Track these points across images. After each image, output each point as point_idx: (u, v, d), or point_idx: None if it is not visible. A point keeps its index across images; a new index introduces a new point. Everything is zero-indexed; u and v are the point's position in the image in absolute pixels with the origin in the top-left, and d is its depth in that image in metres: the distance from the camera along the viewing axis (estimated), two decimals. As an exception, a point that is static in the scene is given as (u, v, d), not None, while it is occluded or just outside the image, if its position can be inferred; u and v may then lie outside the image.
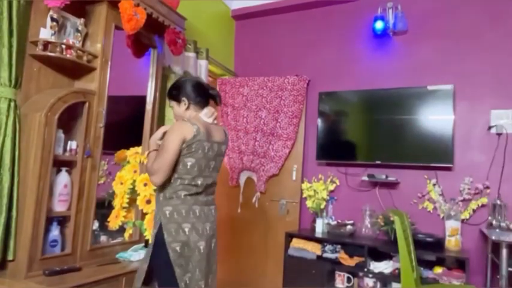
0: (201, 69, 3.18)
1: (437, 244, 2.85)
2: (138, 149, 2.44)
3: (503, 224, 2.73)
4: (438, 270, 2.73)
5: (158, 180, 1.75)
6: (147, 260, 1.78)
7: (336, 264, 3.03)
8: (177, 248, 1.73)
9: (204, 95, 1.93)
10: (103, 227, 2.32)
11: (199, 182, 1.82)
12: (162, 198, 1.79)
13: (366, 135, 3.36)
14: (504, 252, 2.34)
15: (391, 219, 2.91)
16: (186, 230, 1.76)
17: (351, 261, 2.98)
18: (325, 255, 3.11)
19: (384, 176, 3.20)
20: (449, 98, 3.02)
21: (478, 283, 2.77)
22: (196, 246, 1.78)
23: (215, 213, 1.93)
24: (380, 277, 2.87)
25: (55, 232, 1.89)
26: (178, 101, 1.90)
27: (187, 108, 1.89)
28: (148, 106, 2.48)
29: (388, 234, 3.02)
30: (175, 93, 1.92)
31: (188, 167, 1.78)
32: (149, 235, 2.28)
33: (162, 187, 1.79)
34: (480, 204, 2.93)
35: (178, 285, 1.72)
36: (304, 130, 3.63)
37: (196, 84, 1.93)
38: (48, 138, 1.78)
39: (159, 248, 1.74)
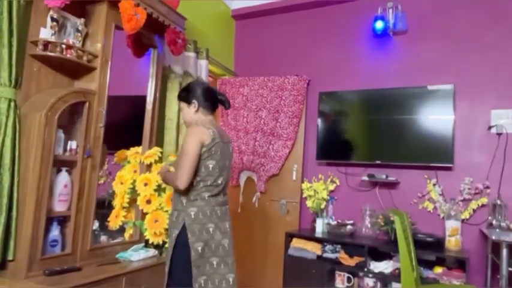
0: (201, 69, 3.18)
1: (437, 244, 2.85)
2: (138, 149, 2.44)
3: (503, 224, 2.73)
4: (438, 270, 2.73)
5: (183, 184, 1.80)
6: (167, 262, 1.85)
7: (336, 264, 3.03)
8: (199, 248, 1.80)
9: (213, 99, 2.03)
10: (103, 227, 2.32)
11: (219, 182, 1.92)
12: (186, 201, 1.85)
13: (366, 135, 3.36)
14: (504, 252, 2.34)
15: (391, 219, 2.91)
16: (210, 229, 1.85)
17: (351, 261, 2.98)
18: (325, 255, 3.11)
19: (384, 176, 3.20)
20: (449, 98, 3.02)
21: (478, 283, 2.77)
22: (220, 244, 1.88)
23: (229, 212, 2.04)
24: (380, 277, 2.87)
25: (55, 232, 1.89)
26: (188, 102, 1.99)
27: (197, 110, 1.98)
28: (149, 106, 2.48)
29: (388, 234, 3.02)
30: (186, 94, 2.00)
31: (210, 169, 1.87)
32: (149, 235, 2.29)
33: (185, 190, 1.84)
34: (480, 204, 2.93)
35: (192, 285, 1.78)
36: (304, 130, 3.63)
37: (206, 88, 2.02)
38: (48, 138, 1.77)
39: (180, 248, 1.80)
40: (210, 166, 1.87)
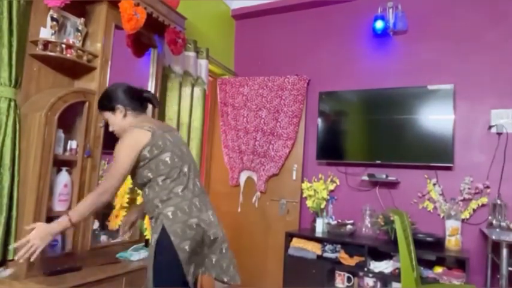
0: (201, 69, 3.18)
1: (438, 244, 2.85)
2: (138, 149, 2.44)
3: (503, 224, 2.73)
4: (438, 269, 2.73)
5: (111, 195, 1.65)
6: (150, 268, 1.66)
7: (336, 263, 3.03)
8: (186, 247, 1.65)
9: (139, 98, 1.83)
10: (103, 227, 2.32)
11: (185, 170, 1.76)
12: (160, 203, 1.70)
13: (366, 135, 3.36)
14: (504, 251, 2.34)
15: (391, 218, 2.91)
16: (194, 225, 1.69)
17: (351, 261, 2.98)
18: (325, 254, 3.11)
19: (384, 176, 3.20)
20: (449, 97, 3.02)
21: (478, 283, 2.77)
22: (207, 236, 1.73)
23: (209, 199, 1.88)
24: (380, 277, 2.87)
25: (55, 232, 1.88)
26: (112, 110, 1.76)
27: (125, 115, 1.77)
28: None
29: (388, 233, 3.02)
30: (106, 102, 1.78)
31: (169, 162, 1.72)
32: (149, 235, 2.28)
33: (152, 193, 1.71)
34: (480, 204, 2.93)
35: (183, 282, 1.67)
36: (304, 130, 3.63)
37: (127, 88, 1.81)
38: (48, 138, 1.77)
39: (162, 252, 1.64)
40: (168, 159, 1.71)
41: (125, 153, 1.66)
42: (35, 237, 1.53)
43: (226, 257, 1.80)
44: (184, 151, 1.82)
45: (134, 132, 1.70)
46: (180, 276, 1.67)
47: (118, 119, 1.77)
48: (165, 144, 1.72)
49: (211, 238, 1.75)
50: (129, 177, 1.86)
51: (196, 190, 1.79)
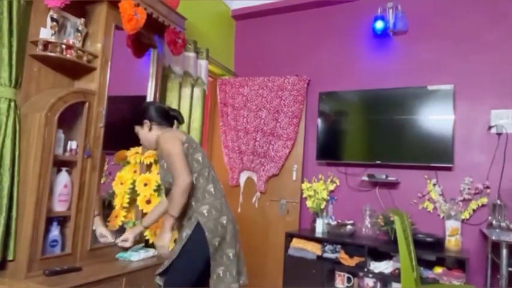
0: (201, 69, 3.18)
1: (437, 244, 2.85)
2: (138, 149, 2.44)
3: (503, 224, 2.73)
4: (438, 270, 2.73)
5: (187, 178, 1.75)
6: (174, 256, 1.75)
7: (336, 264, 3.03)
8: (216, 244, 1.78)
9: (165, 116, 2.02)
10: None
11: (213, 173, 1.95)
12: (195, 201, 1.84)
13: (366, 135, 3.36)
14: (504, 252, 2.34)
15: (391, 219, 2.91)
16: (224, 222, 1.83)
17: (351, 261, 2.98)
18: (325, 255, 3.11)
19: (384, 176, 3.20)
20: (449, 98, 3.02)
21: (478, 283, 2.77)
22: (233, 235, 1.86)
23: None
24: (380, 277, 2.87)
25: (55, 232, 1.89)
26: (141, 124, 1.99)
27: (150, 129, 1.97)
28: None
29: (388, 234, 3.02)
30: (136, 118, 2.00)
31: (201, 160, 1.89)
32: (149, 235, 2.28)
33: (190, 193, 1.81)
34: (480, 204, 2.93)
35: (206, 279, 1.79)
36: (304, 130, 3.63)
37: (157, 107, 2.02)
38: (48, 138, 1.77)
39: (192, 246, 1.75)
40: (200, 158, 1.89)
41: (172, 143, 1.82)
42: (162, 247, 1.80)
43: (241, 257, 1.95)
44: (206, 158, 1.99)
45: (171, 132, 1.92)
46: (195, 275, 1.78)
47: (144, 132, 1.98)
48: (197, 146, 1.93)
49: (238, 234, 1.92)
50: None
51: (222, 192, 1.97)
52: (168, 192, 1.93)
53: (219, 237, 1.80)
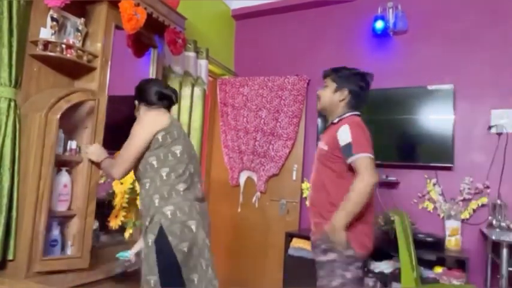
0: (201, 69, 3.18)
1: (438, 244, 2.85)
2: (138, 149, 2.43)
3: (503, 224, 2.73)
4: (438, 270, 2.73)
5: (119, 173, 1.68)
6: (154, 270, 1.61)
7: (336, 264, 3.02)
8: (185, 249, 1.62)
9: (159, 97, 1.85)
10: (103, 227, 2.32)
11: (191, 170, 1.74)
12: (159, 199, 1.66)
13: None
14: (504, 252, 2.34)
15: (391, 219, 2.91)
16: (193, 227, 1.64)
17: (351, 261, 2.98)
18: (325, 255, 3.11)
19: (384, 176, 3.19)
20: (449, 98, 3.02)
21: (478, 283, 2.77)
22: (205, 244, 1.71)
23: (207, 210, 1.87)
24: (380, 277, 2.87)
25: (55, 232, 1.88)
26: (134, 104, 1.95)
27: (137, 110, 1.92)
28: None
29: (388, 234, 3.02)
30: (135, 95, 1.95)
31: (178, 155, 1.70)
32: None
33: (153, 188, 1.68)
34: (480, 204, 2.93)
35: (184, 285, 1.65)
36: (304, 130, 3.63)
37: (148, 87, 1.89)
38: (48, 138, 1.77)
39: (161, 254, 1.61)
40: (178, 152, 1.69)
41: (141, 129, 1.70)
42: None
43: (207, 276, 1.73)
44: (193, 154, 1.82)
45: (152, 115, 1.75)
46: (181, 278, 1.65)
47: (137, 115, 1.91)
48: (179, 137, 1.72)
49: (208, 245, 1.73)
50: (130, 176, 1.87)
51: (198, 195, 1.77)
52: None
53: (187, 242, 1.62)
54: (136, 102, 1.93)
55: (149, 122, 1.72)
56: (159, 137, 1.69)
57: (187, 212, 1.66)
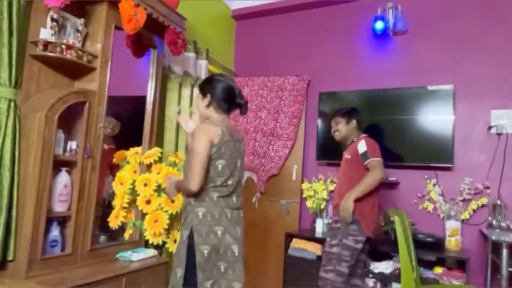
0: (201, 70, 3.18)
1: (438, 244, 2.85)
2: (138, 149, 2.44)
3: (503, 224, 2.73)
4: (438, 270, 2.73)
5: (195, 186, 1.70)
6: (182, 264, 1.72)
7: (336, 264, 3.03)
8: (205, 252, 1.70)
9: (230, 101, 1.88)
10: (103, 227, 2.32)
11: (229, 182, 1.82)
12: (194, 200, 1.77)
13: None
14: (504, 252, 2.34)
15: (391, 219, 2.91)
16: (219, 232, 1.75)
17: (351, 262, 2.98)
18: (325, 255, 3.11)
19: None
20: (449, 98, 3.02)
21: (478, 283, 2.77)
22: (229, 249, 1.78)
23: (243, 218, 1.94)
24: (380, 277, 2.87)
25: (55, 232, 1.89)
26: (203, 94, 1.90)
27: (208, 105, 1.87)
28: (149, 106, 2.48)
29: (388, 234, 3.02)
30: (203, 86, 1.93)
31: (219, 169, 1.78)
32: (149, 235, 2.28)
33: None
34: (480, 204, 2.93)
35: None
36: (304, 130, 3.63)
37: (227, 87, 1.88)
38: (48, 138, 1.77)
39: (190, 249, 1.71)
40: (220, 166, 1.78)
41: (202, 142, 1.74)
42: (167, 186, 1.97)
43: (227, 277, 1.78)
44: (238, 165, 1.89)
45: (211, 127, 1.79)
46: (196, 283, 1.71)
47: (202, 105, 1.90)
48: (226, 153, 1.80)
49: (236, 254, 1.80)
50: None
51: (232, 204, 1.85)
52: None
53: (209, 246, 1.71)
54: (208, 96, 1.86)
55: (209, 133, 1.77)
56: (212, 151, 1.77)
57: (217, 218, 1.76)
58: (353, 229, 2.46)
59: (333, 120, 2.78)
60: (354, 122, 2.70)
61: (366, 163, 2.49)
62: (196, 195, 1.76)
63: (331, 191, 3.47)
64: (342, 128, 2.72)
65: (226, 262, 1.77)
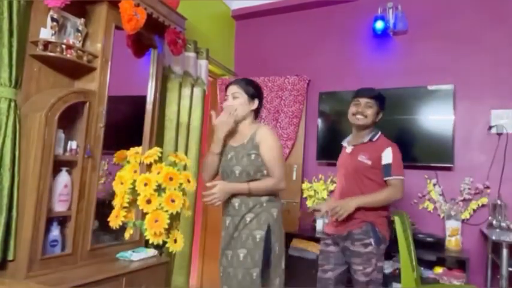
0: (201, 69, 3.18)
1: (438, 244, 2.85)
2: (138, 149, 2.44)
3: (503, 224, 2.73)
4: (438, 270, 2.73)
5: (282, 187, 1.90)
6: (259, 263, 1.78)
7: (336, 264, 3.02)
8: (277, 250, 1.84)
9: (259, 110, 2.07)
10: (103, 227, 2.32)
11: None
12: (267, 201, 1.87)
13: (366, 135, 3.35)
14: (504, 252, 2.34)
15: (391, 219, 2.91)
16: (283, 231, 1.92)
17: (351, 261, 2.98)
18: (325, 255, 3.11)
19: (384, 176, 3.19)
20: (449, 98, 3.02)
21: (478, 283, 2.77)
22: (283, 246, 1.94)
23: None
24: (380, 277, 2.86)
25: (55, 232, 1.88)
26: (252, 97, 1.98)
27: (252, 111, 1.99)
28: (149, 106, 2.47)
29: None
30: (253, 89, 2.00)
31: None
32: (149, 235, 2.28)
33: None
34: (480, 204, 2.93)
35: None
36: (304, 130, 3.63)
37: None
38: (48, 138, 1.77)
39: (265, 249, 1.80)
40: None
41: (280, 149, 1.94)
42: (219, 191, 1.82)
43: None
44: None
45: (275, 134, 1.98)
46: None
47: (247, 107, 1.97)
48: None
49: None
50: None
51: None
52: (230, 176, 1.94)
53: (279, 242, 1.85)
54: (256, 101, 2.02)
55: (279, 143, 2.00)
56: None
57: (281, 217, 1.92)
58: (383, 248, 2.16)
59: (360, 100, 2.28)
60: (381, 115, 2.32)
61: (387, 179, 2.16)
62: (269, 195, 1.88)
63: (331, 191, 3.47)
64: (371, 114, 2.24)
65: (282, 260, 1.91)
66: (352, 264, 2.14)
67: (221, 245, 1.95)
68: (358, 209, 2.11)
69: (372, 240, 2.09)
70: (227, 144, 1.99)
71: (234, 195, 1.88)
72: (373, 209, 2.12)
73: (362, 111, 2.25)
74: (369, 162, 2.18)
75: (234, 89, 1.98)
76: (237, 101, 1.96)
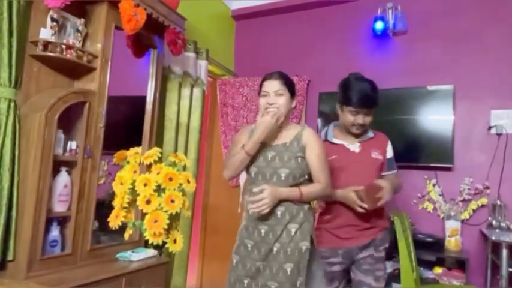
0: (201, 70, 3.18)
1: (437, 244, 2.85)
2: (138, 149, 2.44)
3: (503, 224, 2.73)
4: (438, 270, 2.73)
5: (329, 192, 1.82)
6: (303, 272, 1.69)
7: (336, 264, 3.02)
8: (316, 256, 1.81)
9: None
10: (103, 227, 2.32)
11: None
12: (308, 208, 1.79)
13: (366, 135, 3.35)
14: (504, 252, 2.34)
15: (391, 219, 2.91)
16: (313, 236, 1.80)
17: (351, 262, 2.98)
18: (325, 255, 3.10)
19: (383, 176, 3.19)
20: (449, 98, 3.02)
21: (478, 283, 2.77)
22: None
23: None
24: (380, 277, 2.86)
25: (55, 232, 1.89)
26: (293, 95, 1.84)
27: (291, 108, 1.86)
28: (149, 106, 2.47)
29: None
30: (294, 87, 1.88)
31: None
32: (149, 235, 2.28)
33: None
34: (480, 205, 2.93)
35: None
36: (304, 130, 3.63)
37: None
38: (48, 138, 1.77)
39: (310, 257, 1.74)
40: None
41: (325, 153, 1.83)
42: (269, 196, 1.63)
43: None
44: None
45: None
46: None
47: (289, 105, 1.82)
48: None
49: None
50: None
51: None
52: (271, 179, 1.75)
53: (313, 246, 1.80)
54: (295, 101, 1.91)
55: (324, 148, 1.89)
56: None
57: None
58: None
59: (363, 110, 2.10)
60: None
61: (393, 172, 2.15)
62: (309, 203, 1.81)
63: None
64: (368, 120, 2.12)
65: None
66: (376, 271, 1.99)
67: (249, 255, 1.79)
68: (381, 216, 2.05)
69: (387, 244, 2.06)
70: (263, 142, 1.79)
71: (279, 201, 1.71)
72: (385, 211, 2.12)
73: (362, 123, 2.08)
74: (381, 157, 2.09)
75: (277, 85, 1.78)
76: (281, 99, 1.78)
